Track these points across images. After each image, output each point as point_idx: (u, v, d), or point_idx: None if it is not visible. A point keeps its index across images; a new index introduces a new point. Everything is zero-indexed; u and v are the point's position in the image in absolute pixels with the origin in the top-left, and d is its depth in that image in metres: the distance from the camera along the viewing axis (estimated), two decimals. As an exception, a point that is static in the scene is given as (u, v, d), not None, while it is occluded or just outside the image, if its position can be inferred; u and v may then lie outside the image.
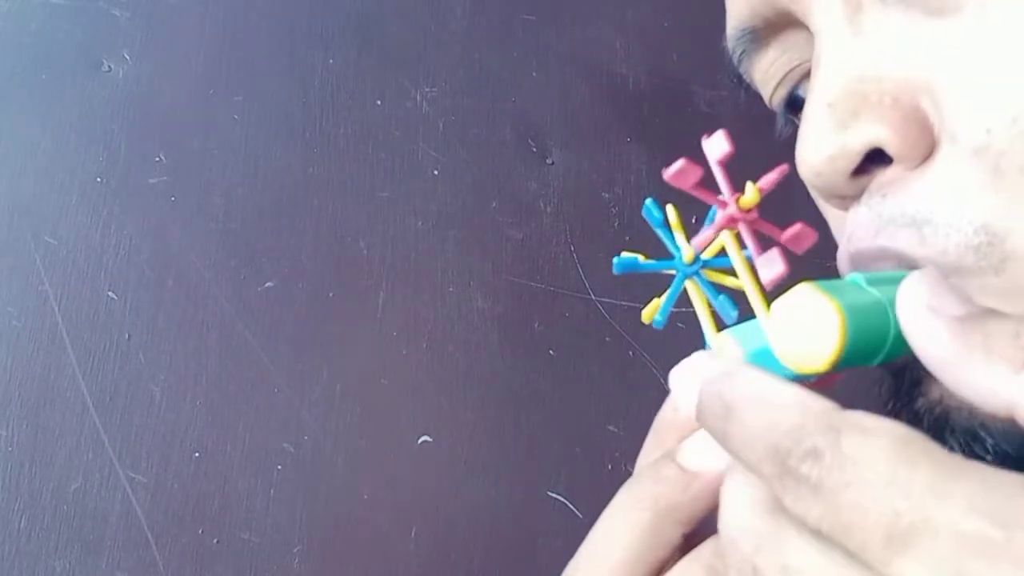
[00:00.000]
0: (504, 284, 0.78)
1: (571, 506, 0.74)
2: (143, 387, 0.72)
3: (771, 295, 0.28)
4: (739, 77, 0.36)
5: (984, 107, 0.26)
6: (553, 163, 0.82)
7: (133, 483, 0.70)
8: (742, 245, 0.29)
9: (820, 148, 0.28)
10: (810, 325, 0.23)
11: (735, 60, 0.35)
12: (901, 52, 0.27)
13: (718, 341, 0.29)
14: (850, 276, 0.27)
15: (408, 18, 0.84)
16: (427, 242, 0.79)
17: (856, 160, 0.28)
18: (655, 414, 0.35)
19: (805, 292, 0.24)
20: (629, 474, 0.34)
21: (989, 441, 0.27)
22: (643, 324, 0.34)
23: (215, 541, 0.70)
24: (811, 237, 0.28)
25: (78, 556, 0.68)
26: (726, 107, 0.85)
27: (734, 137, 0.29)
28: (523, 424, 0.75)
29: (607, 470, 0.75)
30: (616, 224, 0.81)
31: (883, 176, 0.28)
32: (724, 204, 0.29)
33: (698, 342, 0.32)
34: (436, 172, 0.81)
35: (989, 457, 0.27)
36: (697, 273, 0.32)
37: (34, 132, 0.77)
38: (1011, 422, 0.26)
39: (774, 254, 0.27)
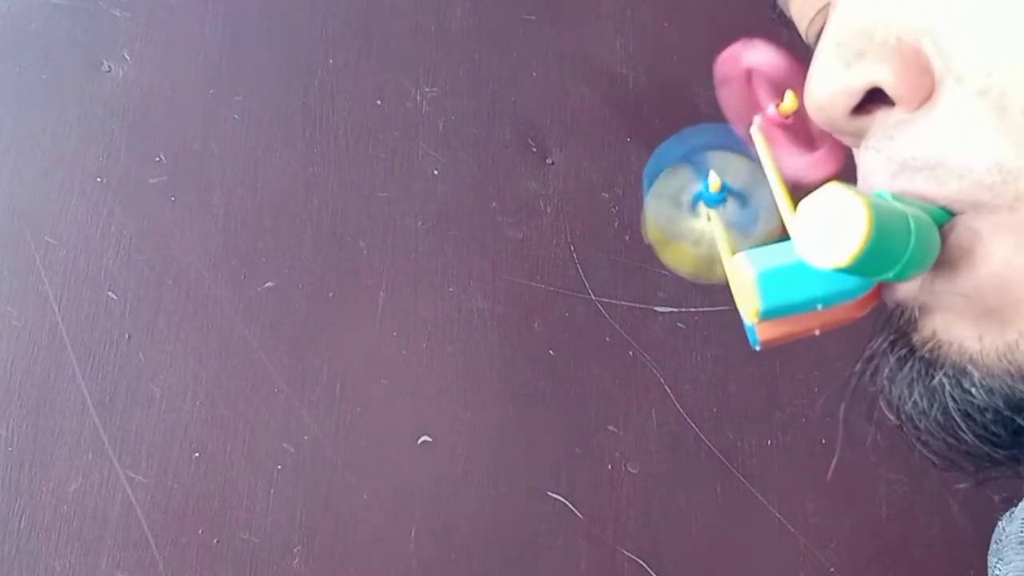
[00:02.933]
0: (504, 284, 0.78)
1: (571, 506, 0.74)
2: (143, 387, 0.72)
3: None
4: (780, 14, 0.37)
5: (985, 50, 0.27)
6: (553, 163, 0.82)
7: (133, 483, 0.70)
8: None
9: (824, 85, 0.29)
10: (837, 220, 0.24)
11: None
12: None
13: (733, 263, 0.29)
14: (876, 191, 0.28)
15: (408, 18, 0.84)
16: (427, 242, 0.79)
17: (856, 98, 0.29)
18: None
19: (835, 190, 0.25)
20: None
21: (976, 375, 0.28)
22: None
23: (215, 541, 0.70)
24: (839, 158, 0.29)
25: (78, 556, 0.68)
26: (726, 107, 0.85)
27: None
28: (523, 424, 0.75)
29: (607, 470, 0.75)
30: (616, 224, 0.81)
31: (886, 118, 0.29)
32: (763, 109, 0.30)
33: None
34: (436, 172, 0.81)
35: (975, 390, 0.28)
36: (722, 201, 0.32)
37: (34, 132, 0.77)
38: (996, 360, 0.27)
39: (823, 154, 0.28)
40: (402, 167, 0.80)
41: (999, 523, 0.43)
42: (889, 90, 0.28)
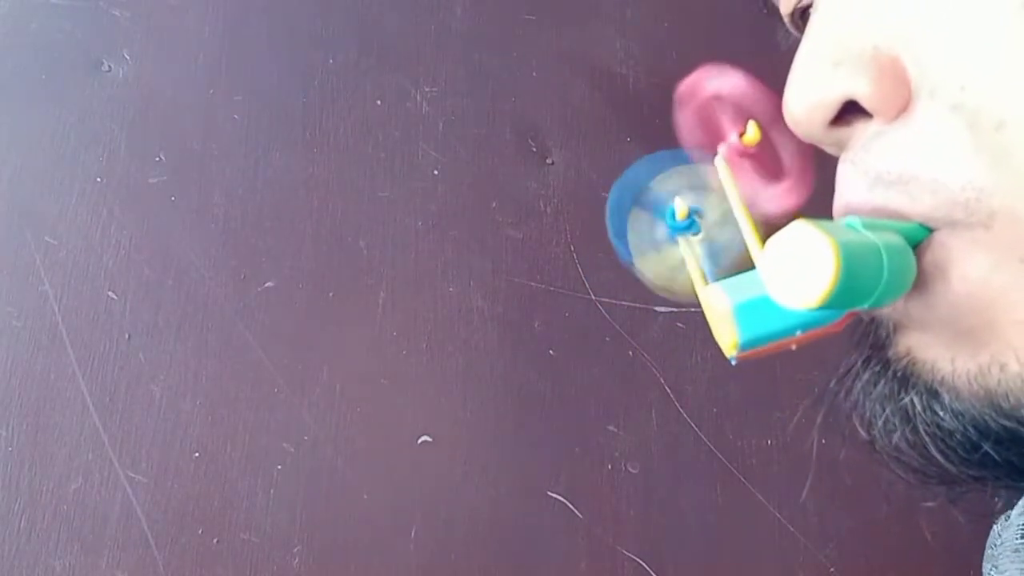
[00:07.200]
0: (504, 284, 0.78)
1: (571, 506, 0.74)
2: (143, 387, 0.72)
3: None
4: (770, 5, 0.37)
5: (959, 64, 0.26)
6: (553, 163, 0.82)
7: (133, 483, 0.70)
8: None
9: (800, 98, 0.29)
10: (805, 261, 0.24)
11: None
12: (888, 4, 0.28)
13: (707, 294, 0.29)
14: (847, 219, 0.27)
15: (408, 18, 0.84)
16: (427, 242, 0.79)
17: (833, 110, 0.28)
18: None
19: (801, 228, 0.24)
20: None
21: (946, 398, 0.28)
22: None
23: (215, 541, 0.70)
24: (806, 189, 0.29)
25: (78, 556, 0.68)
26: (726, 107, 0.85)
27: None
28: (523, 424, 0.75)
29: (607, 470, 0.75)
30: (616, 224, 0.81)
31: (863, 130, 0.29)
32: (725, 139, 0.29)
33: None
34: (436, 172, 0.81)
35: (944, 414, 0.28)
36: (690, 228, 0.32)
37: (34, 132, 0.77)
38: (966, 383, 0.27)
39: (789, 185, 0.27)
40: (402, 167, 0.80)
41: (994, 527, 0.42)
42: (864, 102, 0.27)
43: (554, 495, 0.74)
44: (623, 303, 0.79)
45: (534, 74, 0.84)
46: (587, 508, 0.74)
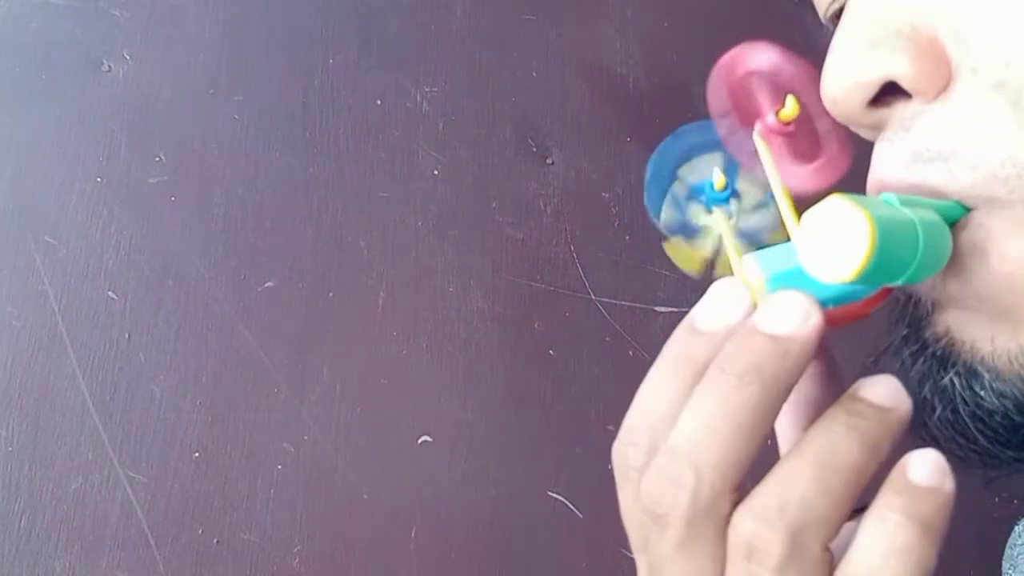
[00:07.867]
0: (504, 284, 0.78)
1: (571, 506, 0.74)
2: (143, 387, 0.72)
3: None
4: None
5: (1003, 42, 0.26)
6: (553, 163, 0.82)
7: (133, 483, 0.70)
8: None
9: (838, 79, 0.29)
10: (840, 235, 0.24)
11: None
12: None
13: (742, 265, 0.29)
14: (883, 196, 0.27)
15: (408, 18, 0.84)
16: (427, 242, 0.79)
17: (872, 91, 0.28)
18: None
19: (837, 202, 0.24)
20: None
21: (987, 378, 0.28)
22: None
23: (215, 541, 0.70)
24: (842, 167, 0.29)
25: (78, 556, 0.68)
26: (726, 107, 0.85)
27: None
28: (523, 424, 0.75)
29: (607, 470, 0.74)
30: (616, 224, 0.81)
31: (903, 110, 0.28)
32: (761, 115, 0.30)
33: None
34: (436, 172, 0.81)
35: (985, 393, 0.28)
36: (727, 200, 0.32)
37: (34, 132, 0.77)
38: (1007, 362, 0.27)
39: (824, 163, 0.28)
40: (402, 167, 0.80)
41: (1016, 528, 0.42)
42: (904, 83, 0.27)
43: (554, 495, 0.74)
44: (623, 303, 0.79)
45: (534, 74, 0.84)
46: (587, 508, 0.74)
